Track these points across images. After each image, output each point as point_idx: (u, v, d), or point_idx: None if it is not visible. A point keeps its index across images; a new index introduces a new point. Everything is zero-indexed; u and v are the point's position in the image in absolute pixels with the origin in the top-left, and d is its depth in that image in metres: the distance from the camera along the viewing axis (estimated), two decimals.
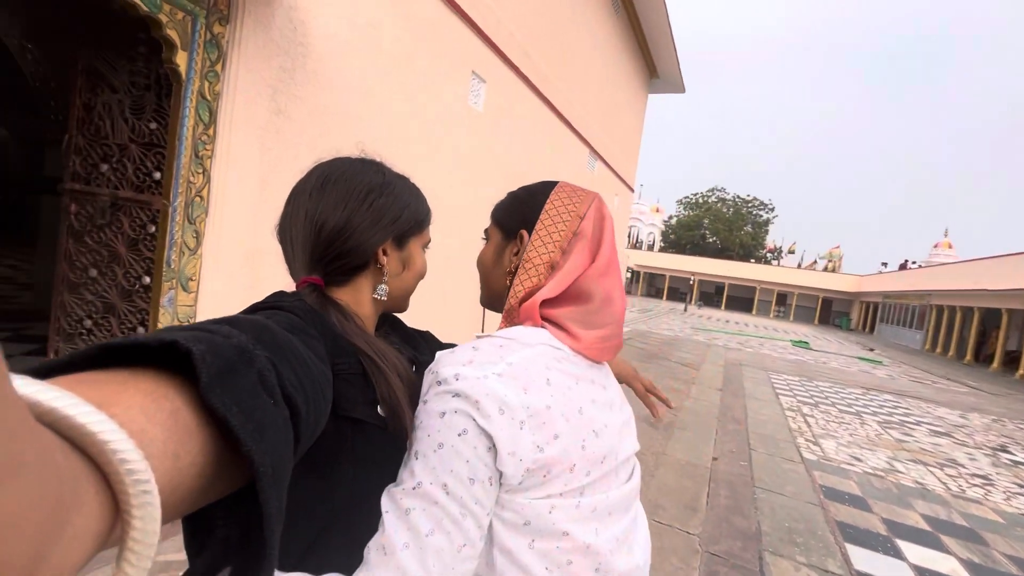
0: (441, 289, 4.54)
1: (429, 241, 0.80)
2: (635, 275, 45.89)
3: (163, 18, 2.27)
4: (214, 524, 0.34)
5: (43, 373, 0.26)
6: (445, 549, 0.51)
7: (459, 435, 0.53)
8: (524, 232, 0.70)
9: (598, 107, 8.21)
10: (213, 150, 2.57)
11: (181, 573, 0.31)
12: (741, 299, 44.69)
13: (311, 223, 0.65)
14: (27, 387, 0.20)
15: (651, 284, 49.38)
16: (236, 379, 0.31)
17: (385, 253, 0.70)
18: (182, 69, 2.38)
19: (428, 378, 0.59)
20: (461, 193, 4.63)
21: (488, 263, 0.76)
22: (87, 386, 0.25)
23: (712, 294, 46.46)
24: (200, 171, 2.53)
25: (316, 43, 2.97)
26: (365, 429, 0.59)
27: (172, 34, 2.31)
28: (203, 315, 2.64)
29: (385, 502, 0.54)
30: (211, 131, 2.55)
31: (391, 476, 0.60)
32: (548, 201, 0.71)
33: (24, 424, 0.16)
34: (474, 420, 0.53)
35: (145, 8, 2.20)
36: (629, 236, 48.14)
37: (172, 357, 0.29)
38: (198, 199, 2.55)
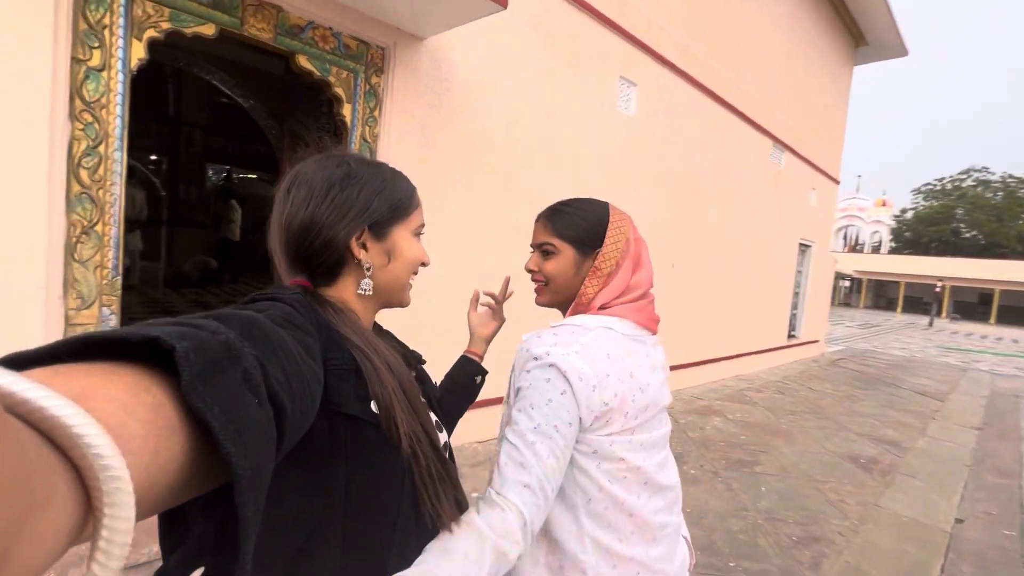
0: None
1: (421, 226, 0.75)
2: (855, 283, 38.27)
3: (332, 79, 2.70)
4: (190, 521, 0.33)
5: (24, 363, 0.25)
6: (555, 467, 0.75)
7: (561, 393, 0.77)
8: (598, 251, 0.92)
9: (783, 91, 7.17)
10: None
11: (155, 571, 0.33)
12: (1020, 310, 33.54)
13: (280, 226, 0.67)
14: (1, 378, 0.20)
15: (879, 293, 40.33)
16: (220, 377, 0.30)
17: (365, 247, 0.68)
18: (348, 119, 2.79)
19: (523, 354, 0.83)
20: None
21: (568, 274, 0.93)
22: (65, 378, 0.24)
23: (974, 304, 35.71)
24: None
25: (460, 76, 3.20)
26: (358, 426, 0.60)
27: (339, 91, 2.74)
28: None
29: (512, 437, 0.76)
30: None
31: (384, 475, 0.62)
32: (608, 227, 0.93)
33: None
34: (568, 384, 0.77)
35: (318, 73, 2.65)
36: (845, 237, 40.54)
37: (158, 352, 0.29)
38: None
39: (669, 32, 4.84)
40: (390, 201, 0.70)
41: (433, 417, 0.79)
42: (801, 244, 8.62)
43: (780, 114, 7.13)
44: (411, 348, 0.84)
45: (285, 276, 0.69)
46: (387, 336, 0.82)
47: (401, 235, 0.71)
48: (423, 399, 0.73)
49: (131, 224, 7.13)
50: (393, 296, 0.74)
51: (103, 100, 2.06)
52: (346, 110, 2.77)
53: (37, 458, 0.19)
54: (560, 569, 0.81)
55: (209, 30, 2.28)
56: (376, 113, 2.90)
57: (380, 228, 0.69)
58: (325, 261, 0.67)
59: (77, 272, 2.08)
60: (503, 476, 0.73)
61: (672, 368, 5.50)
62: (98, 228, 2.11)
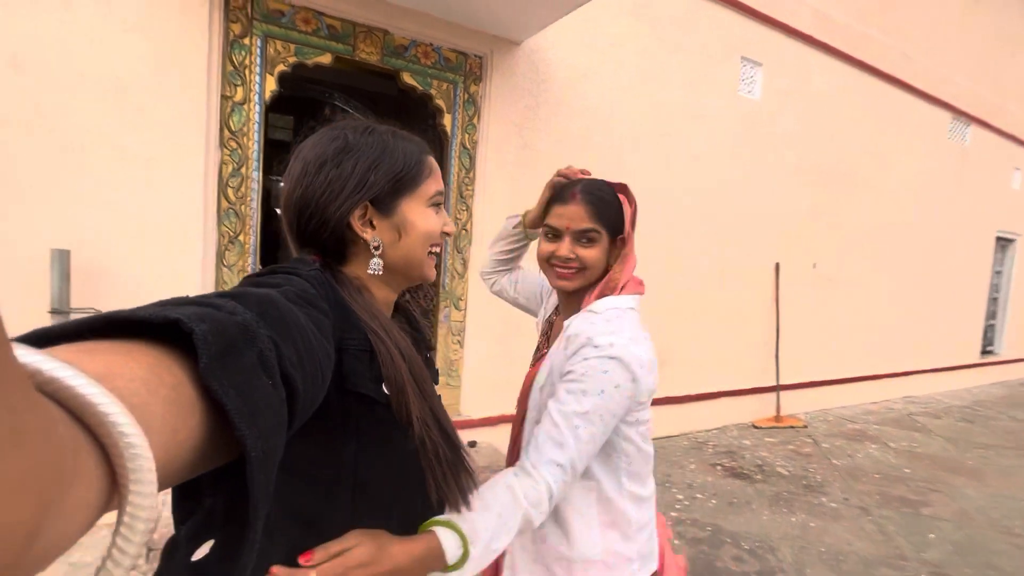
0: (724, 303, 4.04)
1: (437, 193, 0.70)
2: None
3: (433, 91, 2.86)
4: (201, 494, 0.35)
5: (48, 340, 0.26)
6: (590, 452, 0.81)
7: (616, 387, 0.81)
8: (620, 236, 0.97)
9: (965, 48, 5.88)
10: (473, 190, 3.03)
11: (166, 540, 0.37)
12: None
13: (282, 206, 0.67)
14: (28, 356, 0.20)
15: None
16: (236, 360, 0.31)
17: (372, 224, 0.65)
18: (448, 128, 2.93)
19: (580, 340, 0.85)
20: (733, 197, 4.05)
21: (603, 262, 0.96)
22: (90, 356, 0.25)
23: None
24: (464, 208, 3.02)
25: (558, 75, 3.17)
26: (370, 406, 0.60)
27: (440, 102, 2.88)
28: (471, 329, 3.10)
29: (557, 416, 0.80)
30: (471, 174, 3.03)
31: (393, 456, 0.63)
32: (626, 208, 0.98)
33: (27, 394, 0.16)
34: (627, 376, 0.81)
35: (420, 87, 2.83)
36: None
37: (177, 330, 0.30)
38: (463, 232, 3.04)
39: None
40: (391, 173, 0.65)
41: None
42: (1000, 238, 6.96)
43: (962, 79, 5.86)
44: (422, 333, 0.83)
45: (296, 250, 0.69)
46: (405, 315, 0.82)
47: (411, 208, 0.67)
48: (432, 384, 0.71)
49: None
50: (412, 272, 0.70)
51: (244, 129, 2.43)
52: (446, 120, 2.91)
53: (65, 435, 0.20)
54: (612, 523, 0.92)
55: (327, 59, 2.57)
56: (475, 120, 3.00)
57: (385, 203, 0.66)
58: (327, 240, 0.65)
59: (226, 275, 2.46)
60: (540, 451, 0.79)
61: (813, 384, 4.80)
62: (241, 238, 2.48)
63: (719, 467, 3.42)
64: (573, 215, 0.94)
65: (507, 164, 3.07)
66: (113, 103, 2.12)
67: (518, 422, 1.03)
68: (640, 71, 3.49)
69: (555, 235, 0.96)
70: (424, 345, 0.81)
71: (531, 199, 1.11)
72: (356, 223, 0.65)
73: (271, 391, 0.34)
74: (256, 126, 2.45)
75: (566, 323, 0.99)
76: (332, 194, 0.63)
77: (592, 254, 0.94)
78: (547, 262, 0.97)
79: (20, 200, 2.00)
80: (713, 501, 2.93)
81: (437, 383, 0.85)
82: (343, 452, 0.60)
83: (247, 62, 2.40)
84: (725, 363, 4.17)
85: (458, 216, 3.00)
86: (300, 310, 0.46)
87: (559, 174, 1.06)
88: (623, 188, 0.99)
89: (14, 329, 0.20)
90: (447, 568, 0.66)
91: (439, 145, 3.05)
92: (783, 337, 4.43)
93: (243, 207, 2.46)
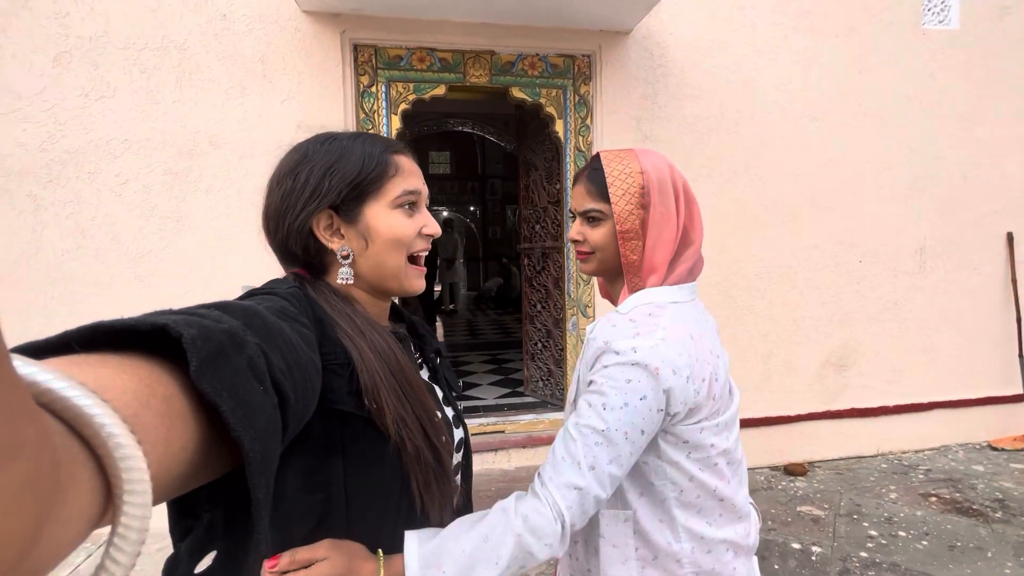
0: (929, 288, 3.23)
1: (408, 193, 0.66)
2: None
3: (543, 100, 2.86)
4: (199, 509, 0.35)
5: (38, 352, 0.26)
6: (615, 474, 0.70)
7: (640, 399, 0.69)
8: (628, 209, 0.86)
9: None
10: None
11: (167, 557, 0.36)
12: None
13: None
14: (24, 368, 0.20)
15: None
16: (226, 364, 0.31)
17: (340, 234, 0.64)
18: (560, 134, 2.89)
19: (597, 346, 0.75)
20: (927, 158, 3.21)
21: (614, 244, 0.86)
22: (82, 368, 0.25)
23: None
24: None
25: (676, 57, 2.92)
26: (352, 423, 0.59)
27: (551, 110, 2.87)
28: None
29: (574, 432, 0.70)
30: None
31: (381, 473, 0.61)
32: (633, 178, 0.84)
33: (24, 405, 0.17)
34: (653, 385, 0.70)
35: (529, 99, 2.85)
36: None
37: (165, 341, 0.30)
38: None
39: None
40: (347, 177, 0.63)
41: (450, 412, 0.74)
42: None
43: None
44: (434, 339, 0.80)
45: (284, 267, 0.69)
46: (408, 322, 0.79)
47: (374, 213, 0.64)
48: (430, 392, 0.69)
49: (448, 262, 9.18)
50: (388, 283, 0.67)
51: None
52: (558, 126, 2.89)
53: (61, 446, 0.20)
54: (654, 560, 0.78)
55: (440, 90, 2.76)
56: (588, 121, 2.91)
57: (349, 210, 0.63)
58: (300, 252, 0.65)
59: None
60: (556, 470, 0.69)
61: None
62: None
63: (933, 498, 2.69)
64: (577, 194, 0.87)
65: None
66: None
67: None
68: (780, 28, 3.02)
69: (573, 217, 0.89)
70: (434, 350, 0.79)
71: None
72: (320, 233, 0.64)
73: (263, 396, 0.33)
74: None
75: (589, 326, 0.87)
76: (289, 205, 0.63)
77: (597, 235, 0.83)
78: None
79: (198, 242, 2.54)
80: (923, 542, 2.30)
81: (457, 393, 0.82)
82: (331, 472, 0.59)
83: (375, 107, 2.70)
84: (939, 365, 3.29)
85: None
86: (284, 323, 0.46)
87: None
88: (631, 155, 0.84)
89: None
90: None
91: (556, 153, 3.04)
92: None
93: None
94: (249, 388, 0.32)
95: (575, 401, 0.81)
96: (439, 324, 7.83)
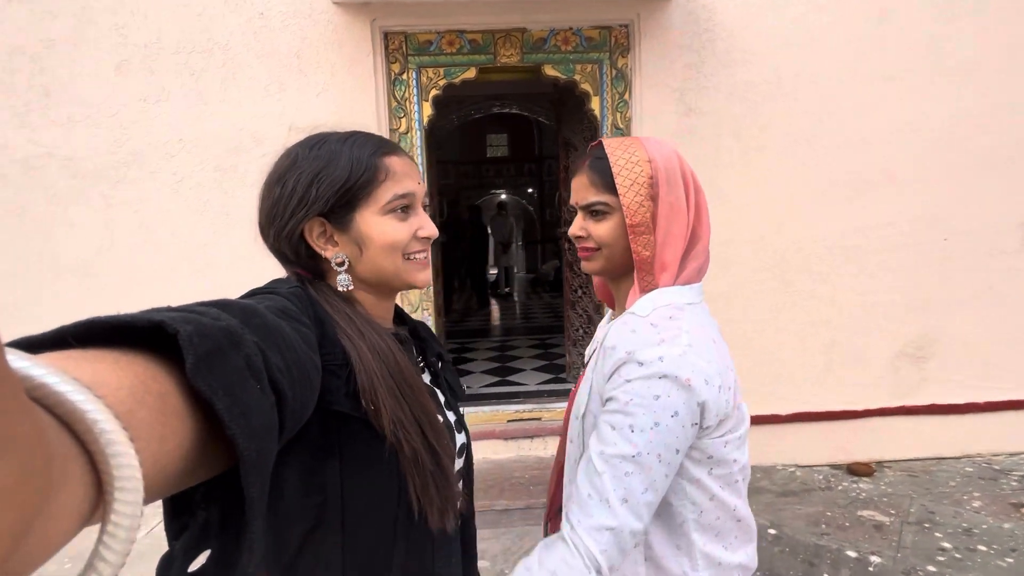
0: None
1: (399, 197, 0.64)
2: None
3: (577, 76, 2.73)
4: (194, 508, 0.35)
5: (33, 347, 0.26)
6: (652, 502, 0.64)
7: (672, 416, 0.63)
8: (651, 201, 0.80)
9: None
10: None
11: (162, 556, 0.37)
12: None
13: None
14: (17, 362, 0.20)
15: None
16: (223, 362, 0.31)
17: (334, 241, 0.64)
18: (597, 111, 2.76)
19: (618, 356, 0.67)
20: (1008, 131, 2.74)
21: (623, 240, 0.81)
22: (77, 363, 0.25)
23: None
24: None
25: (725, 19, 2.67)
26: (350, 424, 0.59)
27: (586, 87, 2.74)
28: None
29: (599, 463, 0.64)
30: None
31: (378, 476, 0.60)
32: (639, 167, 0.79)
33: (18, 400, 0.16)
34: (686, 398, 0.64)
35: (563, 76, 2.74)
36: None
37: (161, 338, 0.30)
38: None
39: None
40: (334, 185, 0.62)
41: (451, 417, 0.74)
42: None
43: None
44: (437, 343, 0.79)
45: (284, 268, 0.70)
46: (411, 325, 0.78)
47: (365, 220, 0.63)
48: (432, 396, 0.69)
49: (504, 246, 9.18)
50: (392, 283, 0.67)
51: (410, 154, 2.74)
52: (594, 103, 2.75)
53: (54, 441, 0.20)
54: None
55: (471, 73, 2.71)
56: (626, 96, 2.75)
57: (340, 217, 0.63)
58: (294, 258, 0.65)
59: (412, 299, 2.82)
60: (583, 511, 0.63)
61: None
62: None
63: None
64: (578, 186, 0.80)
65: (667, 136, 2.72)
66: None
67: (559, 453, 0.87)
68: None
69: (575, 212, 0.82)
70: (436, 354, 0.77)
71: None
72: (314, 241, 0.63)
73: (260, 395, 0.33)
74: (419, 151, 2.74)
75: (602, 328, 0.81)
76: (278, 213, 0.63)
77: (603, 230, 0.77)
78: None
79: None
80: (1008, 559, 2.03)
81: (460, 399, 0.81)
82: (327, 474, 0.59)
83: (407, 95, 2.70)
84: None
85: None
86: (285, 323, 0.45)
87: None
88: (637, 143, 0.77)
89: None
90: None
91: (594, 133, 2.90)
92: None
93: None
94: (246, 386, 0.32)
95: (584, 416, 0.75)
96: (494, 307, 7.89)
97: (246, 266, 2.73)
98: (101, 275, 2.64)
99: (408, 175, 0.66)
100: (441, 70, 2.69)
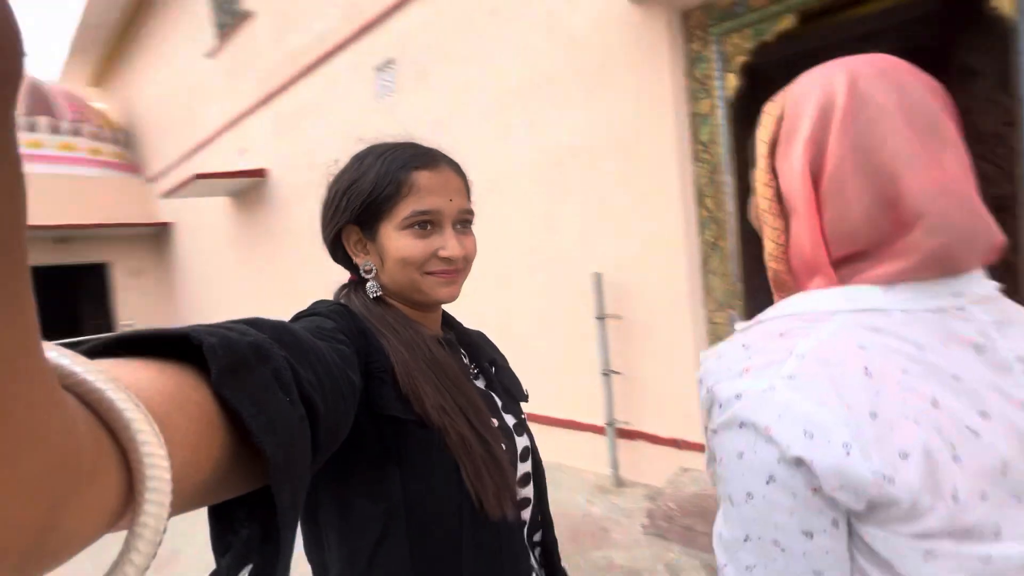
0: None
1: (412, 213, 0.63)
2: None
3: None
4: (238, 526, 0.35)
5: (85, 354, 0.26)
6: None
7: (767, 483, 0.42)
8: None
9: None
10: None
11: (209, 573, 0.34)
12: None
13: None
14: (62, 358, 0.21)
15: None
16: (248, 374, 0.32)
17: (365, 250, 0.68)
18: (1006, 4, 1.75)
19: (702, 393, 0.49)
20: None
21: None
22: (124, 369, 0.26)
23: None
24: None
25: None
26: (403, 428, 0.59)
27: None
28: None
29: (719, 551, 0.47)
30: None
31: (438, 478, 0.60)
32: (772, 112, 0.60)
33: (51, 392, 0.17)
34: (775, 455, 0.41)
35: None
36: None
37: (199, 353, 0.30)
38: None
39: None
40: (360, 197, 0.64)
41: (510, 420, 0.73)
42: None
43: None
44: (493, 349, 0.78)
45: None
46: (470, 334, 0.79)
47: (386, 233, 0.65)
48: (487, 399, 0.70)
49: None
50: (413, 295, 0.67)
51: (713, 137, 2.47)
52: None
53: (88, 434, 0.20)
54: None
55: (787, 22, 2.20)
56: None
57: (369, 228, 0.66)
58: (341, 262, 0.71)
59: (711, 281, 2.55)
60: None
61: None
62: (720, 244, 2.50)
63: None
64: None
65: None
66: (604, 164, 2.74)
67: None
68: None
69: None
70: (489, 359, 0.77)
71: None
72: (351, 247, 0.68)
73: (288, 407, 0.34)
74: (722, 130, 2.44)
75: (702, 355, 0.57)
76: (323, 217, 0.69)
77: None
78: None
79: (569, 241, 2.95)
80: None
81: (522, 400, 0.79)
82: (390, 481, 0.59)
83: (709, 73, 2.44)
84: None
85: None
86: (320, 342, 0.46)
87: None
88: (805, 78, 0.53)
89: None
90: None
91: (1003, 42, 1.87)
92: None
93: (720, 213, 2.49)
94: (273, 397, 0.32)
95: (711, 464, 0.54)
96: None
97: (569, 266, 3.10)
98: (472, 279, 3.51)
99: (435, 192, 0.64)
100: (748, 31, 2.30)
